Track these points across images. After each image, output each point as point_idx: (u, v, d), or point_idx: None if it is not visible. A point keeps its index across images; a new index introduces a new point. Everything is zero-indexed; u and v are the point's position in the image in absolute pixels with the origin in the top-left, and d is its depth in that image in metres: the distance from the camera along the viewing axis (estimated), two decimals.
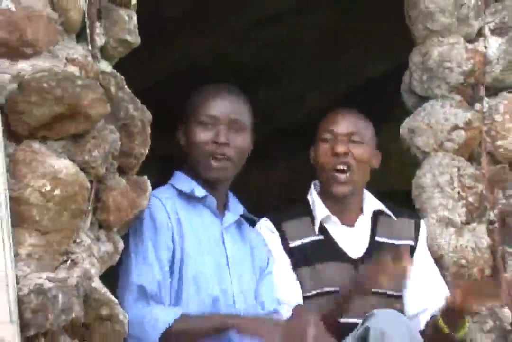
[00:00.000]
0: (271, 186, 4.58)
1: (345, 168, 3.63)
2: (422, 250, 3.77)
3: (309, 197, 3.77)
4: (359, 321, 3.46)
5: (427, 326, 3.65)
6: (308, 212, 3.73)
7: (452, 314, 3.49)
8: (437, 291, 3.70)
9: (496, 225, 3.91)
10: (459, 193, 3.81)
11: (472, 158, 3.91)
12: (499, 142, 3.92)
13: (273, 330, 3.10)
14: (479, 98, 3.95)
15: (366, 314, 3.39)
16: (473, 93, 3.94)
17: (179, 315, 3.13)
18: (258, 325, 3.14)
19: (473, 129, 3.87)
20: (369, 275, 3.52)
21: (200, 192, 3.33)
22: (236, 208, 3.46)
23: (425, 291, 3.68)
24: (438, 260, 3.76)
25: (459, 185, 3.81)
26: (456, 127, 3.85)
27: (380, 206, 3.78)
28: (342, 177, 3.63)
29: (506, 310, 3.77)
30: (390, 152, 3.97)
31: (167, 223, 3.25)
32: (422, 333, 3.58)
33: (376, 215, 3.75)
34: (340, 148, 3.62)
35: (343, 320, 3.58)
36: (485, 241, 3.80)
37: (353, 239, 3.71)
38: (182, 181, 3.36)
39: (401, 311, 3.64)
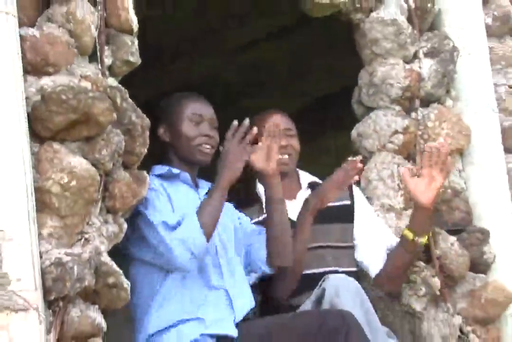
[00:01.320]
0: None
1: (287, 157, 3.67)
2: (361, 205, 3.81)
3: (257, 190, 3.80)
4: (318, 271, 3.57)
5: (389, 254, 3.69)
6: (258, 200, 3.77)
7: (418, 214, 3.59)
8: (387, 235, 3.76)
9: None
10: (398, 185, 3.86)
11: (409, 157, 3.95)
12: (431, 144, 3.96)
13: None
14: (415, 108, 4.00)
15: (323, 279, 3.38)
16: (409, 105, 3.99)
17: (195, 215, 3.16)
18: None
19: (409, 133, 3.93)
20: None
21: (175, 170, 3.39)
22: (205, 185, 3.50)
23: (377, 237, 3.72)
24: None
25: (398, 178, 3.84)
26: (396, 132, 3.91)
27: (313, 178, 3.83)
28: (284, 164, 3.67)
29: (436, 279, 3.81)
30: (343, 152, 3.99)
31: (162, 193, 3.26)
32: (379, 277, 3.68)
33: (313, 186, 3.77)
34: (283, 142, 3.65)
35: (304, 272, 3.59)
36: None
37: (296, 209, 3.72)
38: (158, 169, 3.40)
39: (352, 260, 3.71)
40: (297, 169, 3.87)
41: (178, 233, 3.12)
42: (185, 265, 3.14)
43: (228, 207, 3.51)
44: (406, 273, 3.74)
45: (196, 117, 3.41)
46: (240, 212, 3.69)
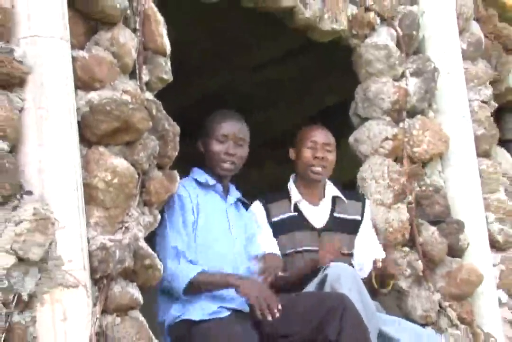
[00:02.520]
0: (264, 180, 4.53)
1: (323, 168, 3.67)
2: (366, 222, 3.78)
3: (288, 185, 3.78)
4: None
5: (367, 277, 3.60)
6: (287, 196, 3.74)
7: (380, 276, 3.49)
8: (376, 250, 3.68)
9: (413, 205, 3.90)
10: (388, 183, 3.83)
11: (397, 159, 3.93)
12: (415, 149, 3.98)
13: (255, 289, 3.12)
14: (402, 119, 4.00)
15: (325, 267, 3.38)
16: (398, 116, 3.98)
17: (197, 272, 3.11)
18: (247, 286, 3.11)
19: (398, 140, 3.92)
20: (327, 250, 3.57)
21: (211, 181, 3.39)
22: (235, 193, 3.50)
23: (368, 250, 3.67)
24: (375, 228, 3.76)
25: (388, 177, 3.83)
26: (386, 139, 3.90)
27: (337, 193, 3.78)
28: (319, 174, 3.66)
29: (419, 262, 3.80)
30: (344, 156, 3.98)
31: (190, 202, 3.27)
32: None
33: (334, 198, 3.76)
34: (321, 156, 3.66)
35: None
36: (405, 216, 3.84)
37: (317, 215, 3.73)
38: (199, 174, 3.41)
39: (351, 264, 3.61)
40: (328, 181, 3.83)
41: (176, 268, 3.12)
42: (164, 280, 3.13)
43: (251, 218, 3.61)
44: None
45: (222, 138, 3.38)
46: (269, 205, 3.71)
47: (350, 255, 3.71)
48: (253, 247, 3.51)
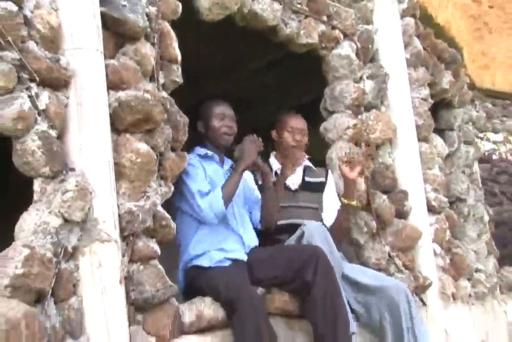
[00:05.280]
0: None
1: (300, 148, 3.71)
2: (330, 183, 3.77)
3: (270, 160, 3.78)
4: (295, 221, 3.52)
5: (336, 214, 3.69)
6: (269, 167, 3.72)
7: (347, 187, 3.62)
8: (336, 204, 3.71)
9: (369, 178, 3.90)
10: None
11: (357, 143, 3.89)
12: (370, 135, 3.96)
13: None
14: (360, 112, 3.97)
15: (301, 225, 3.38)
16: (357, 110, 3.95)
17: (220, 190, 3.17)
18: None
19: (357, 128, 3.89)
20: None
21: (209, 152, 3.39)
22: (228, 162, 3.50)
23: (332, 204, 3.69)
24: (339, 196, 3.74)
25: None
26: (348, 127, 3.87)
27: (309, 163, 3.79)
28: (297, 149, 3.71)
29: (373, 222, 3.82)
30: (316, 141, 3.97)
31: (198, 166, 3.27)
32: (331, 227, 3.64)
33: (306, 167, 3.76)
34: (298, 138, 3.66)
35: (285, 221, 3.57)
36: (363, 186, 3.83)
37: (293, 180, 3.72)
38: (199, 150, 3.40)
39: (319, 216, 3.65)
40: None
41: (207, 199, 3.15)
42: (210, 220, 3.17)
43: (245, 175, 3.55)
44: (345, 227, 3.74)
45: (220, 115, 3.40)
46: (256, 172, 3.67)
47: (319, 208, 3.71)
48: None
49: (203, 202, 3.15)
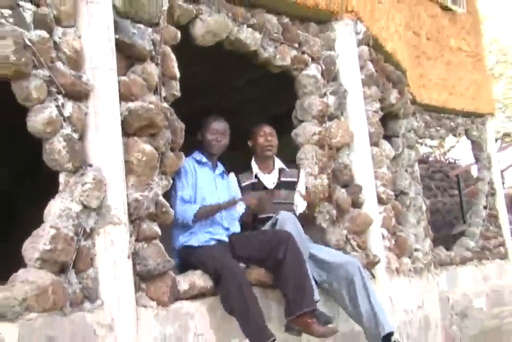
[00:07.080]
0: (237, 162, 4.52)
1: (271, 148, 3.70)
2: (301, 182, 3.74)
3: (251, 163, 3.79)
4: (272, 215, 3.46)
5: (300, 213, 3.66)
6: (250, 170, 3.75)
7: (308, 205, 3.63)
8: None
9: (330, 175, 3.85)
10: (315, 161, 3.79)
11: (321, 147, 3.87)
12: (332, 140, 3.87)
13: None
14: (324, 121, 3.90)
15: (276, 214, 3.40)
16: (322, 119, 3.90)
17: (197, 208, 3.16)
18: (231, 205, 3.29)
19: (321, 135, 3.83)
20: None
21: (204, 159, 3.40)
22: (220, 168, 3.51)
23: (301, 197, 3.68)
24: (306, 190, 3.77)
25: (316, 158, 3.78)
26: (314, 134, 3.85)
27: (282, 165, 3.79)
28: (270, 151, 3.71)
29: (334, 211, 3.82)
30: (288, 145, 3.98)
31: (190, 171, 3.29)
32: (300, 215, 3.62)
33: (280, 169, 3.78)
34: (269, 139, 3.69)
35: (264, 215, 3.54)
36: (326, 182, 3.81)
37: (269, 180, 3.74)
38: (196, 155, 3.41)
39: (291, 210, 3.62)
40: (275, 156, 3.82)
41: (184, 208, 3.16)
42: (179, 221, 3.15)
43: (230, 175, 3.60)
44: (311, 217, 3.74)
45: (214, 131, 3.40)
46: (239, 175, 3.68)
47: (292, 203, 3.69)
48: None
49: (180, 208, 3.16)
